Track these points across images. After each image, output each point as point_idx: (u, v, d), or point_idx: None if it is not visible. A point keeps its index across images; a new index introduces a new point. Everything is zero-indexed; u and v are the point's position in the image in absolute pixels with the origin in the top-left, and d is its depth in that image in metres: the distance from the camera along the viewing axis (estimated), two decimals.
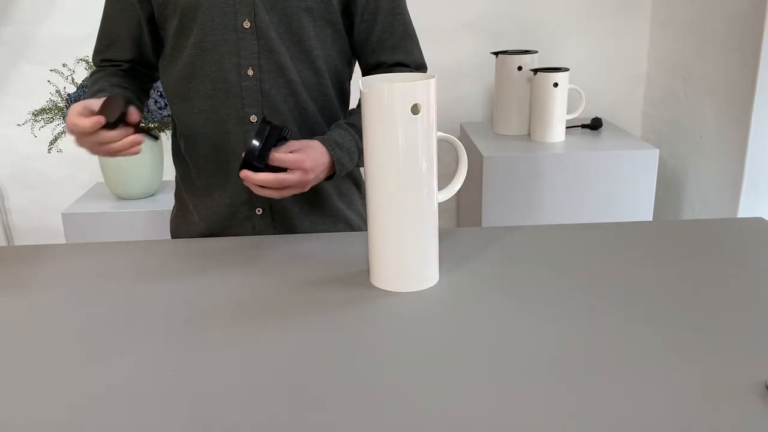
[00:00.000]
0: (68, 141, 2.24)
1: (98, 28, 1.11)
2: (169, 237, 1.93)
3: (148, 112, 1.82)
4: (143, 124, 0.89)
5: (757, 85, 1.73)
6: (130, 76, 1.12)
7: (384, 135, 0.77)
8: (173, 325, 0.77)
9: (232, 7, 1.02)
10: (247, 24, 1.03)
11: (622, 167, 1.91)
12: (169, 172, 2.40)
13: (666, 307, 0.77)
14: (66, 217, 1.91)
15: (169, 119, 1.87)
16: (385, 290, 0.84)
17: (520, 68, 2.02)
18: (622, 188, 1.93)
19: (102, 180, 2.29)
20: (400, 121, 0.76)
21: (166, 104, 1.84)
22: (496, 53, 2.06)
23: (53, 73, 2.12)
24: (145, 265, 0.94)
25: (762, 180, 1.81)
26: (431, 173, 0.80)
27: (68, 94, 1.82)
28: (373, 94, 0.76)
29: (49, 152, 1.96)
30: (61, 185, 2.40)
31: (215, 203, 1.13)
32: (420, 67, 1.16)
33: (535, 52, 2.04)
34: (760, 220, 1.05)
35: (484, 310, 0.78)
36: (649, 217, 1.98)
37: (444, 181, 2.35)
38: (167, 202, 1.97)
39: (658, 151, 1.90)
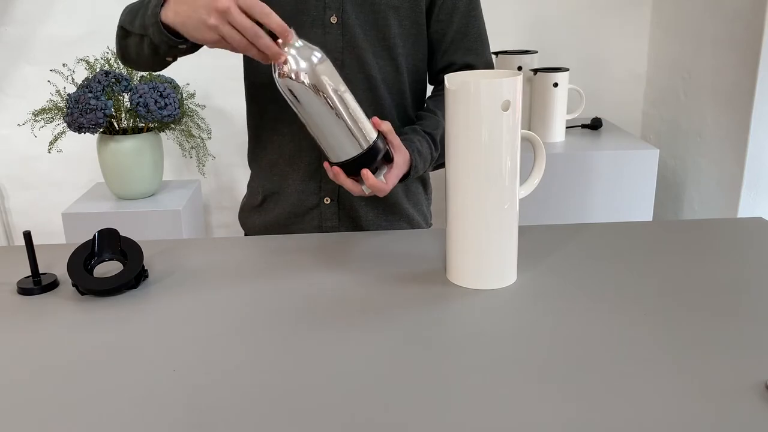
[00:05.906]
0: (68, 141, 2.24)
1: None
2: (168, 237, 1.93)
3: (148, 112, 1.82)
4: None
5: (757, 85, 1.73)
6: None
7: (470, 132, 0.77)
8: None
9: (321, 2, 1.04)
10: (334, 19, 1.04)
11: (622, 167, 1.91)
12: (169, 173, 2.40)
13: (665, 307, 0.77)
14: (66, 217, 1.90)
15: (169, 119, 1.87)
16: (463, 287, 0.84)
17: (520, 68, 2.02)
18: (622, 188, 1.93)
19: (102, 180, 2.29)
20: (487, 117, 0.76)
21: (165, 104, 1.84)
22: (496, 53, 2.06)
23: (53, 73, 2.12)
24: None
25: (762, 180, 1.81)
26: (514, 170, 0.80)
27: (68, 94, 1.82)
28: (460, 90, 0.76)
29: (49, 152, 1.95)
30: (61, 185, 2.40)
31: (288, 188, 1.14)
32: (488, 67, 1.16)
33: (535, 52, 2.04)
34: (760, 220, 1.05)
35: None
36: (649, 217, 1.98)
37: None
38: (167, 202, 1.97)
39: (658, 151, 1.90)
